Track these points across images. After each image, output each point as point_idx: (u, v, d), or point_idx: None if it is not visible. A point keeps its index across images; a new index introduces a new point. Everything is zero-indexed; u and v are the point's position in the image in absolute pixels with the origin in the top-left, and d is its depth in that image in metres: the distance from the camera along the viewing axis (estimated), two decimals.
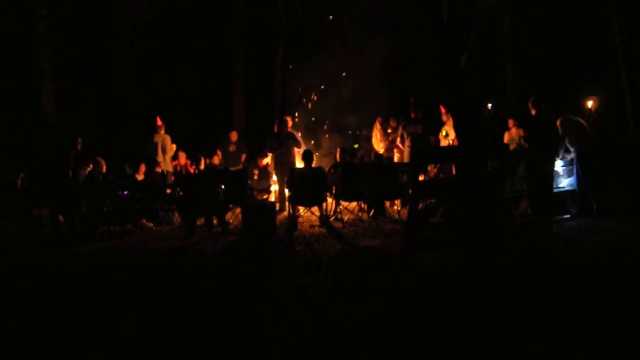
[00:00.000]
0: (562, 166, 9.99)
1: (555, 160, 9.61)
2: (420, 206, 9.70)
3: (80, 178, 10.81)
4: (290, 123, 12.46)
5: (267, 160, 13.32)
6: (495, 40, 22.70)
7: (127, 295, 5.53)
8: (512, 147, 11.58)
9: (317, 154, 15.68)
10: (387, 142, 13.65)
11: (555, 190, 9.49)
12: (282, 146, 11.88)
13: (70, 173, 10.22)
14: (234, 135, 14.75)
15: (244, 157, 14.56)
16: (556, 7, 21.07)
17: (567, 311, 4.19)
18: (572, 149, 9.60)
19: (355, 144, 16.21)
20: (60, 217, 10.24)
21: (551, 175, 9.29)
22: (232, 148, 14.51)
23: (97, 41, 21.06)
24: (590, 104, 22.26)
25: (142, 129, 16.02)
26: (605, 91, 21.36)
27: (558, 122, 9.57)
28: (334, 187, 10.53)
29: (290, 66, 22.13)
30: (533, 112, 9.52)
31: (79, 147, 10.61)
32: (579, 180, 9.48)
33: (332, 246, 7.76)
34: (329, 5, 23.02)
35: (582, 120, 9.95)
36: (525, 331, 3.80)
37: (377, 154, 13.55)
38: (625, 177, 9.70)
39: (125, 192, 11.19)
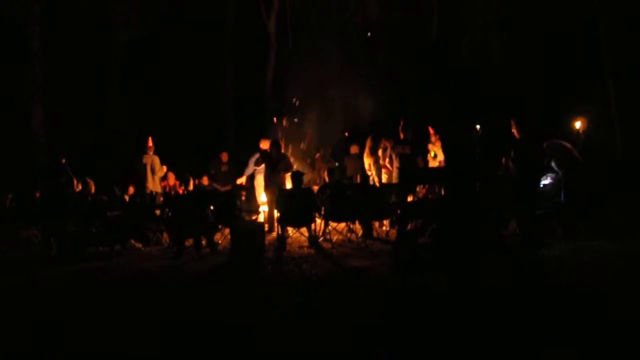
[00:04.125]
0: (548, 187, 10.03)
1: (540, 181, 9.66)
2: (408, 227, 9.74)
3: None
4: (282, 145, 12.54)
5: (242, 180, 13.37)
6: (485, 60, 22.84)
7: (117, 315, 5.52)
8: None
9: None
10: (371, 161, 13.66)
11: (542, 211, 9.52)
12: (275, 166, 11.90)
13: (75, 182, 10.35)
14: (224, 156, 14.84)
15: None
16: (546, 27, 21.23)
17: (551, 331, 4.22)
18: (559, 172, 9.65)
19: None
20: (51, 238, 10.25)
21: (536, 196, 9.34)
22: (223, 168, 14.60)
23: (87, 59, 21.10)
24: (578, 124, 22.37)
25: (132, 150, 16.01)
26: (594, 112, 21.46)
27: (543, 146, 9.61)
28: (322, 208, 10.55)
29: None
30: (516, 133, 9.57)
31: (63, 161, 10.65)
32: (566, 201, 9.53)
33: (321, 267, 7.77)
34: (319, 26, 23.19)
35: (567, 144, 10.01)
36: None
37: (364, 174, 13.56)
38: (612, 199, 9.75)
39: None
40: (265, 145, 12.94)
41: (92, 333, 4.86)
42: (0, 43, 18.81)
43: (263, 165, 12.46)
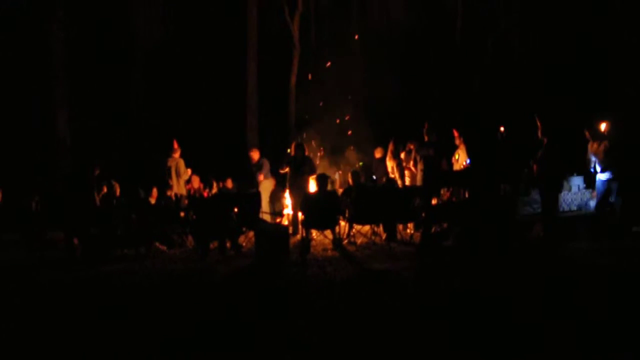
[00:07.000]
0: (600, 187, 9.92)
1: (562, 184, 9.59)
2: (432, 230, 9.70)
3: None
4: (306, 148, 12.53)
5: (262, 177, 13.38)
6: (509, 64, 22.69)
7: (143, 317, 5.55)
8: None
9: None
10: (394, 163, 13.63)
11: (571, 213, 9.47)
12: (299, 168, 11.86)
13: (96, 195, 10.45)
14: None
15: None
16: (571, 30, 21.04)
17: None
18: (598, 168, 9.58)
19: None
20: (75, 240, 10.34)
21: (558, 198, 9.29)
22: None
23: (111, 65, 21.32)
24: (603, 127, 22.11)
25: (156, 153, 16.13)
26: (620, 115, 21.20)
27: (596, 145, 9.60)
28: (347, 211, 10.52)
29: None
30: (540, 134, 9.51)
31: (97, 172, 10.82)
32: (603, 201, 9.38)
33: (345, 269, 7.75)
34: (342, 25, 23.20)
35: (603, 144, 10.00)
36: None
37: (388, 177, 13.52)
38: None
39: None
40: (255, 154, 13.18)
41: (117, 335, 4.89)
42: (22, 46, 19.10)
43: (264, 172, 12.66)
